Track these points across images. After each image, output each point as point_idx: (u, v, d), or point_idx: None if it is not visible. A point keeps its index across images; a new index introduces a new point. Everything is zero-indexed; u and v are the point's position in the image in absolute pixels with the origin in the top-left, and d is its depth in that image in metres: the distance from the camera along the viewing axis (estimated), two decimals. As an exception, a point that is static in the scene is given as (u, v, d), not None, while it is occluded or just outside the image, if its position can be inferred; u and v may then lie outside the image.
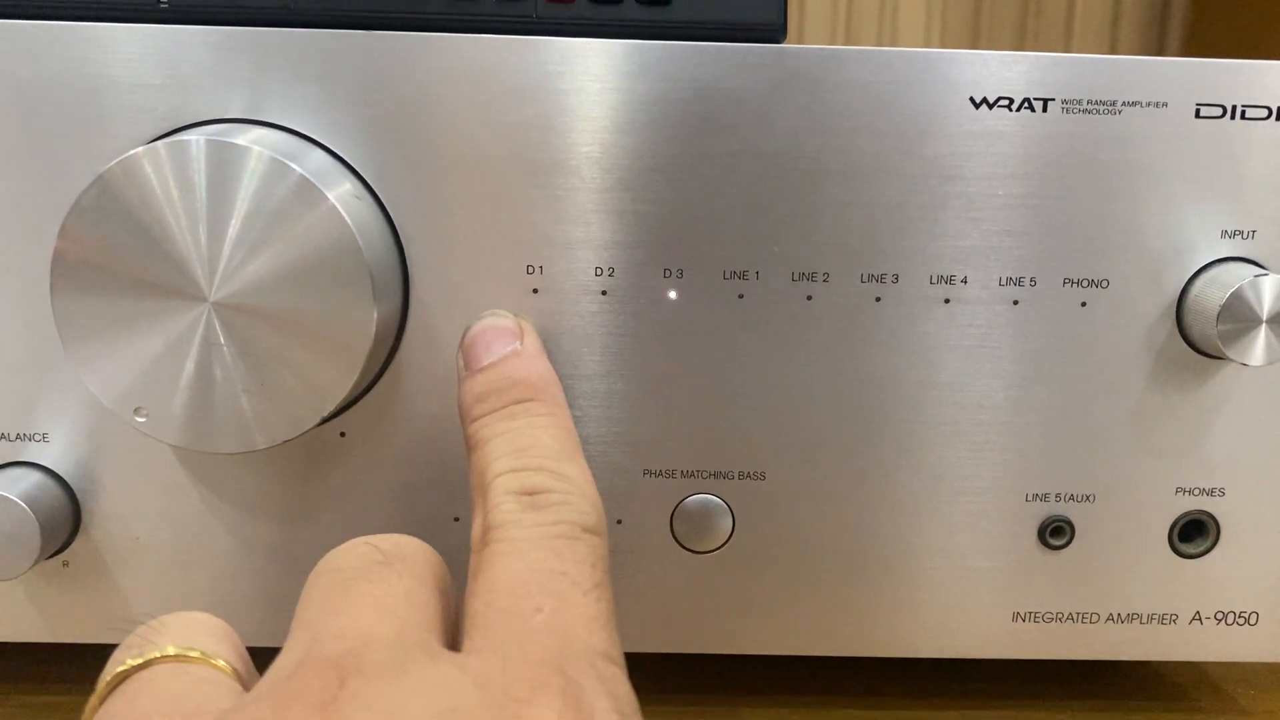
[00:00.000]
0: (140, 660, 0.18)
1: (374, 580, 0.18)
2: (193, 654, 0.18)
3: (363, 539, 0.20)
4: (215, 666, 0.18)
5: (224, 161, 0.23)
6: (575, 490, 0.20)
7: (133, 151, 0.24)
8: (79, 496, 0.28)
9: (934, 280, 0.27)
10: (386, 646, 0.17)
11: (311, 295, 0.24)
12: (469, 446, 0.22)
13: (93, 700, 0.18)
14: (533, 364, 0.24)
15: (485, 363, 0.24)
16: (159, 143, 0.24)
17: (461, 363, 0.24)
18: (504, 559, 0.19)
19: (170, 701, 0.17)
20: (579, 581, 0.19)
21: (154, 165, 0.24)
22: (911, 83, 0.26)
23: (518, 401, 0.22)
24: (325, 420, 0.25)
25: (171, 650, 0.18)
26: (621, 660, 0.18)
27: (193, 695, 0.18)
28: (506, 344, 0.24)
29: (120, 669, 0.18)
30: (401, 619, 0.18)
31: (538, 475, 0.21)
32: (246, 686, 0.19)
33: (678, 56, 0.26)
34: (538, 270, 0.27)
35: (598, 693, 0.16)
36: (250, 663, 0.20)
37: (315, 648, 0.17)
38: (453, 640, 0.19)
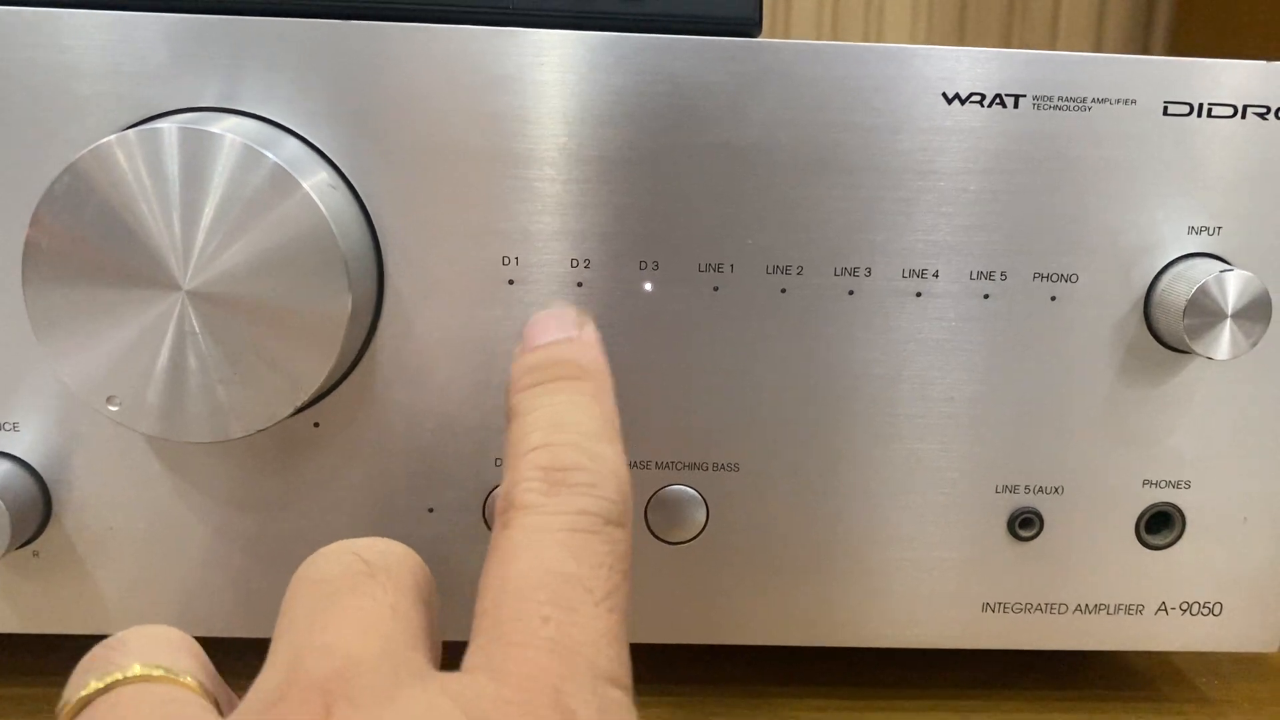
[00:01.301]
0: (104, 683, 0.18)
1: (359, 594, 0.18)
2: (157, 673, 0.18)
3: (347, 546, 0.19)
4: (183, 685, 0.18)
5: (197, 149, 0.23)
6: (606, 473, 0.20)
7: (104, 139, 0.23)
8: (50, 486, 0.27)
9: (906, 274, 0.27)
10: (373, 668, 0.16)
11: (286, 284, 0.24)
12: (508, 418, 0.22)
13: None
14: (588, 350, 0.23)
15: (541, 342, 0.23)
16: (130, 130, 0.24)
17: (519, 346, 0.24)
18: (519, 551, 0.18)
19: None
20: (593, 589, 0.18)
21: (126, 153, 0.23)
22: (885, 78, 0.26)
23: (563, 378, 0.22)
24: (299, 410, 0.25)
25: (136, 670, 0.18)
26: (627, 681, 0.18)
27: (163, 718, 0.17)
28: (566, 329, 0.23)
29: (84, 693, 0.18)
30: (387, 636, 0.17)
31: (571, 452, 0.20)
32: (215, 702, 0.18)
33: (654, 49, 0.26)
34: (513, 261, 0.27)
35: None
36: (216, 675, 0.19)
37: (299, 668, 0.16)
38: (436, 650, 0.19)
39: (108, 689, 0.17)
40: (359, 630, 0.17)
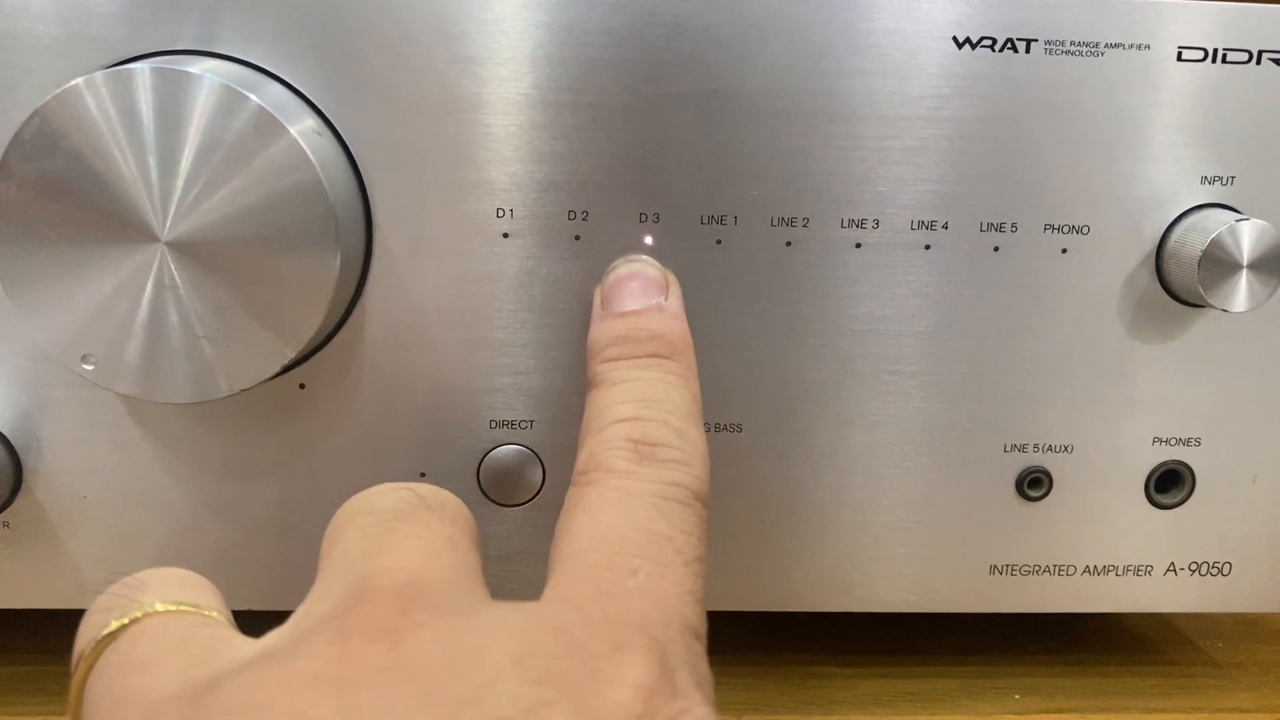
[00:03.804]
0: (126, 620, 0.16)
1: (418, 522, 0.17)
2: (184, 608, 0.17)
3: (397, 484, 0.19)
4: (210, 618, 0.17)
5: (173, 92, 0.22)
6: (694, 453, 0.20)
7: (71, 83, 0.22)
8: (20, 453, 0.26)
9: (915, 226, 0.26)
10: (442, 588, 0.16)
11: (272, 234, 0.23)
12: (592, 383, 0.22)
13: (79, 671, 0.16)
14: (675, 323, 0.23)
15: (627, 309, 0.23)
16: (99, 73, 0.22)
17: (599, 301, 0.24)
18: (612, 507, 0.18)
19: (174, 644, 0.16)
20: (682, 550, 0.18)
21: (95, 96, 0.22)
22: (893, 22, 0.25)
23: (654, 355, 0.22)
24: (286, 369, 0.24)
25: (159, 607, 0.16)
26: (705, 640, 0.18)
27: (197, 637, 0.16)
28: (652, 295, 0.23)
29: (106, 632, 0.16)
30: (451, 564, 0.17)
31: (660, 429, 0.20)
32: None
33: (654, -9, 0.25)
34: (508, 214, 0.26)
35: (681, 661, 0.16)
36: (233, 620, 0.18)
37: (368, 584, 0.15)
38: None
39: (130, 626, 0.16)
40: (422, 556, 0.16)
